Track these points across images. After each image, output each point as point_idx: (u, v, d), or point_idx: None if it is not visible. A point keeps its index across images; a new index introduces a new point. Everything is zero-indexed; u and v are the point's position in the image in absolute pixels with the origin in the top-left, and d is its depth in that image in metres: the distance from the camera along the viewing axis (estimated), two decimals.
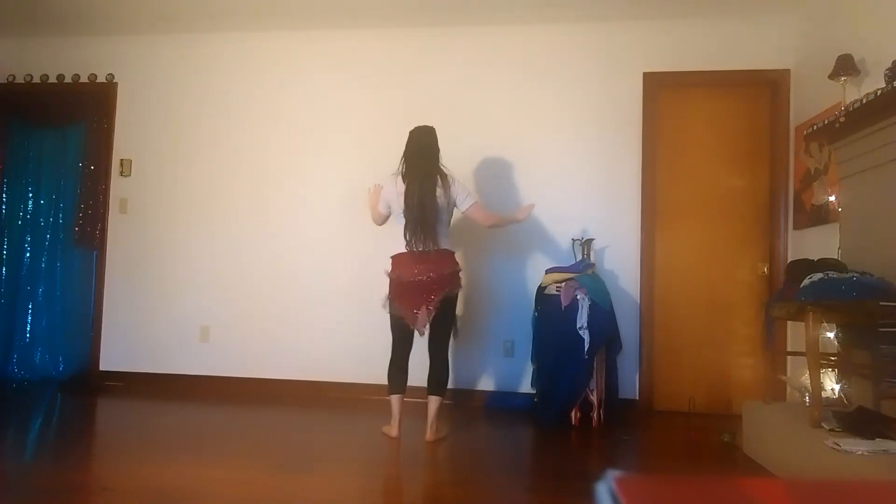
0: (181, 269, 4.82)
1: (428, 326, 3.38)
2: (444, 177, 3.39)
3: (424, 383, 3.44)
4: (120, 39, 4.98)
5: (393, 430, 3.35)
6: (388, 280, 3.43)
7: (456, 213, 3.52)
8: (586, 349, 3.73)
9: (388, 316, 3.43)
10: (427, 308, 3.30)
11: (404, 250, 3.34)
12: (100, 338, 4.87)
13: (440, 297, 3.31)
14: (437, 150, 3.45)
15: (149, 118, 4.93)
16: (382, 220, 3.56)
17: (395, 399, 3.38)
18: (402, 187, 3.36)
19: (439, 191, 3.35)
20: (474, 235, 4.35)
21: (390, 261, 3.43)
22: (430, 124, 3.55)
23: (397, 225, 3.41)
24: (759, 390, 3.81)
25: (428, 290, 3.31)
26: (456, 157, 3.62)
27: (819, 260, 3.04)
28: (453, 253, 3.46)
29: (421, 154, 3.41)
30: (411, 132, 3.50)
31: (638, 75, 4.43)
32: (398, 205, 3.37)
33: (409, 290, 3.32)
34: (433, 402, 3.38)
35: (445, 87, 4.61)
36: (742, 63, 4.31)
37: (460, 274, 3.46)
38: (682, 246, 4.38)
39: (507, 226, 3.85)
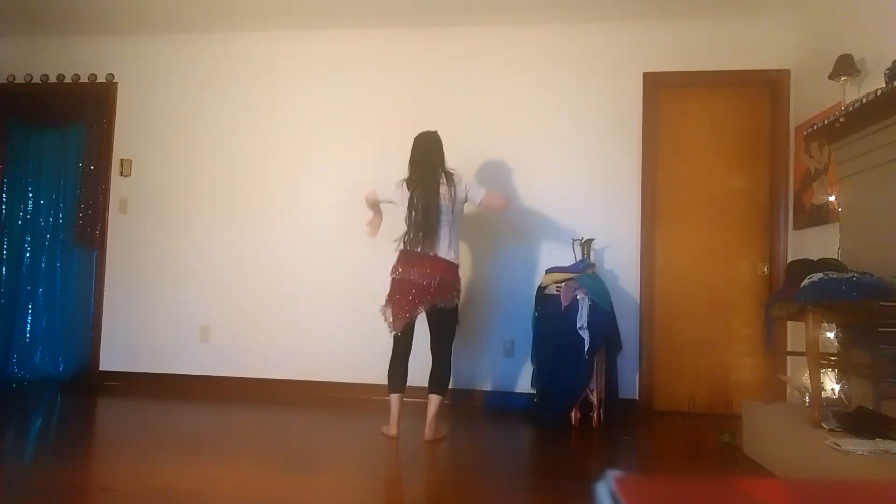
0: (181, 269, 4.82)
1: (429, 325, 3.45)
2: (449, 176, 3.41)
3: (424, 383, 3.44)
4: (120, 39, 4.98)
5: (392, 430, 3.35)
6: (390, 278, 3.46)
7: (469, 208, 3.54)
8: (586, 349, 3.73)
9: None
10: (407, 312, 3.32)
11: (402, 248, 3.40)
12: (100, 338, 4.87)
13: (427, 305, 3.33)
14: (442, 155, 3.46)
15: (149, 118, 4.93)
16: (376, 205, 3.64)
17: (394, 398, 3.37)
18: (406, 193, 3.39)
19: (444, 190, 3.36)
20: (475, 236, 4.35)
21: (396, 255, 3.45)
22: (430, 126, 3.56)
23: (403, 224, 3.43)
24: (759, 390, 3.81)
25: (416, 294, 3.32)
26: (455, 158, 3.62)
27: (819, 260, 3.04)
28: (456, 266, 3.42)
29: (425, 160, 3.42)
30: (416, 138, 3.51)
31: (638, 75, 4.43)
32: (402, 206, 3.41)
33: (400, 289, 3.36)
34: (433, 400, 3.38)
35: (445, 87, 4.61)
36: (742, 63, 4.31)
37: (458, 286, 3.44)
38: (682, 246, 4.38)
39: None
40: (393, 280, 3.41)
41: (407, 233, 3.36)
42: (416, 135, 3.53)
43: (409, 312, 3.34)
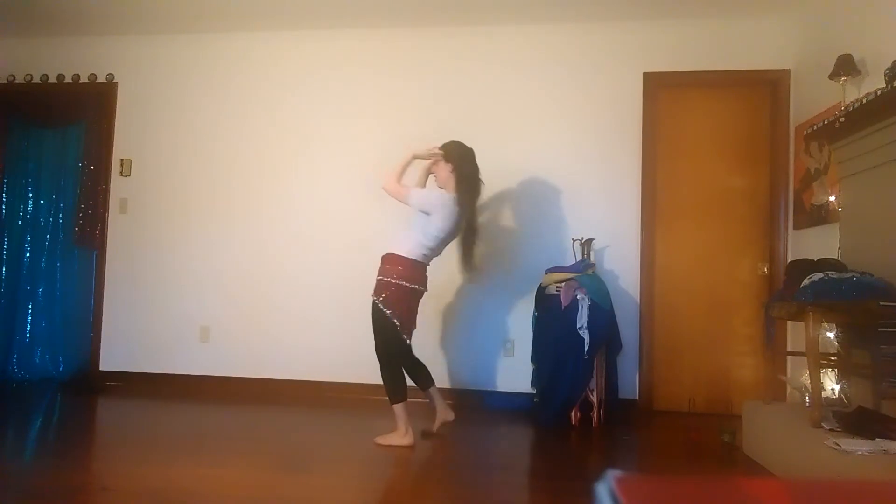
0: (181, 269, 4.82)
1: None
2: None
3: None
4: (120, 39, 4.97)
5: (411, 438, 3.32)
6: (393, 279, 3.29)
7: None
8: (586, 349, 3.73)
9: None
10: (413, 320, 3.39)
11: (416, 258, 3.29)
12: (100, 338, 4.87)
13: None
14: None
15: (149, 118, 4.93)
16: (408, 196, 3.31)
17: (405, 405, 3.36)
18: (454, 211, 3.31)
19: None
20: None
21: (401, 260, 3.28)
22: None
23: (425, 236, 3.30)
24: (759, 390, 3.81)
25: (418, 303, 3.40)
26: None
27: (819, 260, 3.04)
28: None
29: (477, 186, 3.42)
30: (460, 149, 3.41)
31: (638, 75, 4.43)
32: (445, 227, 3.30)
33: (414, 299, 3.36)
34: (435, 390, 3.53)
35: (445, 87, 4.61)
36: (742, 63, 4.31)
37: None
38: (682, 246, 4.38)
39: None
40: (405, 288, 3.27)
41: (440, 244, 3.36)
42: (456, 143, 3.44)
43: (414, 321, 3.40)
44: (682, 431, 3.84)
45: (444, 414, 3.48)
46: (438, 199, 3.32)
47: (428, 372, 3.53)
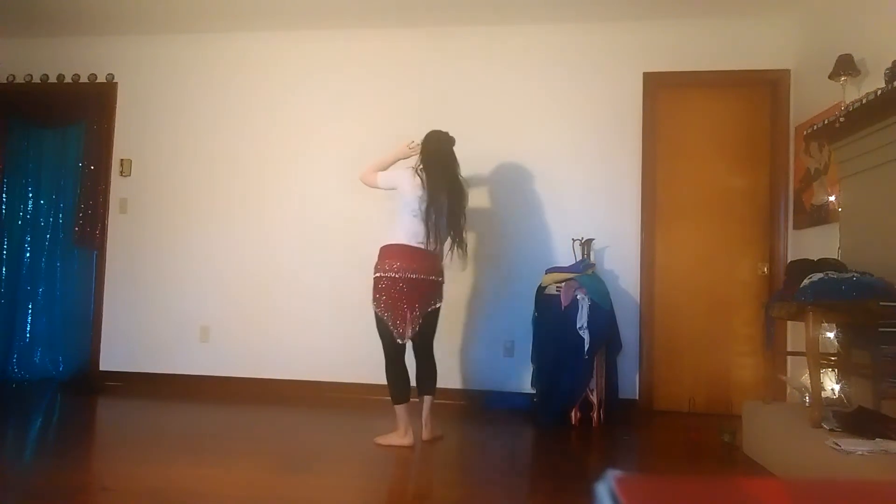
0: (181, 269, 4.82)
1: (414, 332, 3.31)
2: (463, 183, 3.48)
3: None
4: (120, 39, 4.98)
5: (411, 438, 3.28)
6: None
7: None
8: (586, 349, 3.73)
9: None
10: (413, 314, 3.25)
11: (401, 242, 3.24)
12: (100, 338, 4.87)
13: (427, 308, 3.31)
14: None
15: (149, 118, 4.93)
16: (377, 179, 3.43)
17: (405, 407, 3.31)
18: (421, 185, 3.29)
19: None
20: (474, 235, 4.35)
21: (388, 248, 3.27)
22: (432, 126, 3.55)
23: (402, 215, 3.30)
24: (759, 390, 3.81)
25: (420, 294, 3.26)
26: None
27: (819, 260, 3.04)
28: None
29: (449, 162, 3.42)
30: (431, 135, 3.45)
31: (638, 75, 4.43)
32: (413, 195, 3.27)
33: (405, 288, 3.22)
34: (428, 401, 3.39)
35: (445, 87, 4.61)
36: (742, 63, 4.31)
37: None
38: (682, 246, 4.38)
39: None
40: (395, 280, 3.20)
41: (426, 223, 3.26)
42: (430, 132, 3.47)
43: (409, 315, 3.27)
44: (682, 431, 3.84)
45: (427, 430, 3.36)
46: (401, 172, 3.37)
47: (433, 378, 3.43)
